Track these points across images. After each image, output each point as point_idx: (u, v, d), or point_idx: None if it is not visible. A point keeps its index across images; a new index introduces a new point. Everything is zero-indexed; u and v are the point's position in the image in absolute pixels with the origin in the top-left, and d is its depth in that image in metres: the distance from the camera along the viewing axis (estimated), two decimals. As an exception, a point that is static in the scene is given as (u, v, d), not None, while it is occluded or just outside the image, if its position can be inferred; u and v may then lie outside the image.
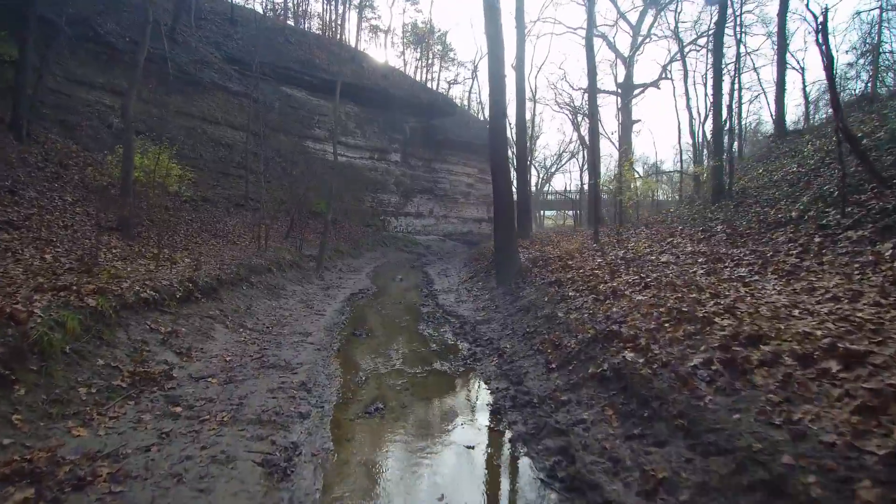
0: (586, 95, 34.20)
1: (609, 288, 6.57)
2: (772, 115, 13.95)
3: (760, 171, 12.29)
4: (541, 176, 47.63)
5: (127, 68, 14.43)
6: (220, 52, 20.71)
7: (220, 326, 7.58)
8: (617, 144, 31.02)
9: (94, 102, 15.49)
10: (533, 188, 54.41)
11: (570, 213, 45.88)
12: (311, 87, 24.21)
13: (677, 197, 28.74)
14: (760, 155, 15.02)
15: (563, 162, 49.47)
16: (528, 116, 44.77)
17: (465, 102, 40.07)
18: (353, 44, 31.65)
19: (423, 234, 31.59)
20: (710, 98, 11.79)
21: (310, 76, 23.89)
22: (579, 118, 39.00)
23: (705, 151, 21.93)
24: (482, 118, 37.55)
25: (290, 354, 6.76)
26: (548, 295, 7.83)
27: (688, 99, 25.64)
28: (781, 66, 14.91)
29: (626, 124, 32.53)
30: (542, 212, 43.02)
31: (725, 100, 12.59)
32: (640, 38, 33.13)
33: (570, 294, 7.24)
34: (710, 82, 20.45)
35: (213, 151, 18.64)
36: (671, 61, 32.07)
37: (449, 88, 40.98)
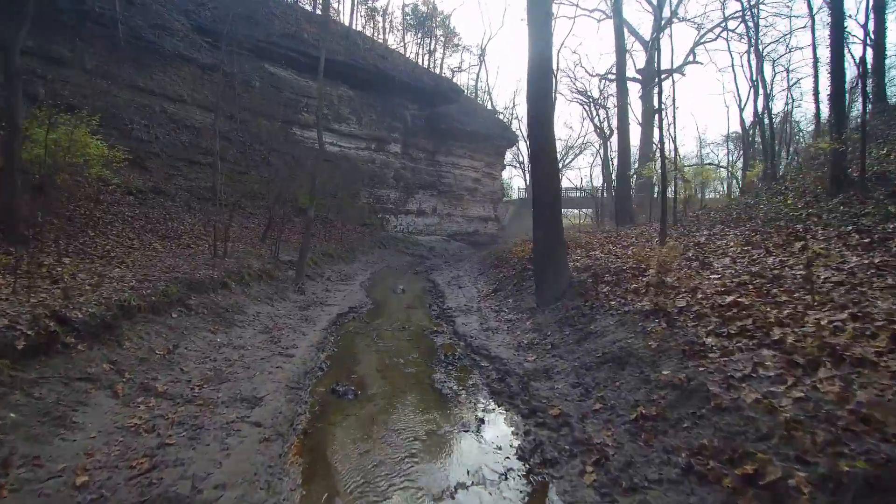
0: (604, 82, 31.25)
1: (817, 341, 3.46)
2: (868, 87, 10.82)
3: (885, 152, 9.21)
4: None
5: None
6: (189, 21, 17.54)
7: (104, 394, 4.45)
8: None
9: None
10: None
11: (585, 211, 42.81)
12: (298, 66, 21.06)
13: (719, 192, 25.66)
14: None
15: (569, 159, 46.43)
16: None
17: (473, 93, 36.84)
18: (347, 24, 28.48)
19: (426, 234, 28.49)
20: (829, 62, 8.59)
21: (297, 53, 20.73)
22: (594, 109, 35.98)
23: (757, 138, 18.87)
24: (490, 107, 34.46)
25: (208, 459, 3.65)
26: (653, 336, 4.73)
27: (736, 83, 22.54)
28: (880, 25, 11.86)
29: (648, 114, 29.54)
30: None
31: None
32: (662, 21, 30.15)
33: (709, 342, 4.14)
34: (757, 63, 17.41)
35: (173, 135, 15.47)
36: (698, 44, 29.16)
37: (452, 76, 37.80)
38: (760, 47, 16.78)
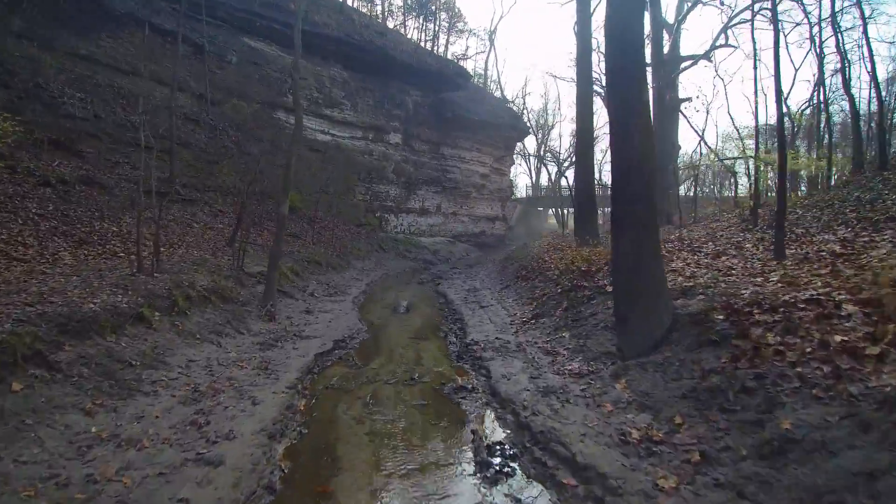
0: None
1: None
2: None
3: None
4: (556, 170, 41.68)
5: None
6: (149, -19, 14.63)
7: None
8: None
9: None
10: (545, 182, 48.63)
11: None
12: (282, 41, 18.11)
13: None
14: None
15: (571, 159, 43.63)
16: (541, 103, 38.18)
17: (482, 80, 33.84)
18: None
19: (429, 235, 25.61)
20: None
21: (281, 25, 17.79)
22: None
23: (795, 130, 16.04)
24: (499, 95, 31.57)
25: None
26: None
27: (777, 68, 19.73)
28: None
29: (674, 102, 26.69)
30: (565, 210, 36.97)
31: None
32: (687, 5, 27.39)
33: None
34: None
35: (120, 114, 12.54)
36: (728, 27, 26.33)
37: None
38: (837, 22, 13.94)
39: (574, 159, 12.75)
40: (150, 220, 8.06)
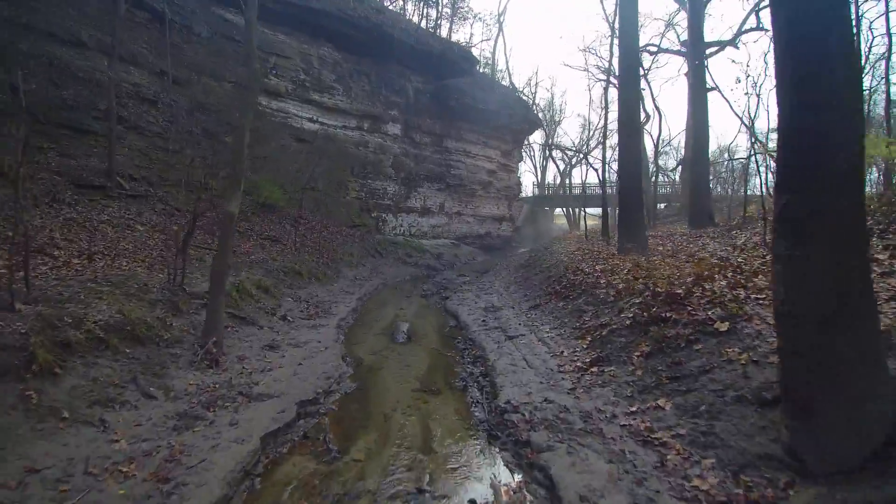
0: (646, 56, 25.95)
1: None
2: None
3: None
4: (567, 165, 39.28)
5: None
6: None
7: None
8: (688, 117, 22.73)
9: None
10: (550, 181, 46.09)
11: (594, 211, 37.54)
12: (263, 14, 15.58)
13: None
14: None
15: (582, 153, 41.18)
16: (547, 96, 35.47)
17: (489, 68, 31.30)
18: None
19: (431, 237, 23.17)
20: None
21: (261, -6, 15.35)
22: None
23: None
24: (507, 83, 29.10)
25: None
26: None
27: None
28: None
29: (698, 92, 24.28)
30: (576, 210, 34.45)
31: None
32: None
33: None
34: None
35: (51, 90, 10.08)
36: (759, 9, 23.94)
37: (460, 53, 32.39)
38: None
39: (617, 148, 10.29)
40: (19, 224, 5.51)
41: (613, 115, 18.55)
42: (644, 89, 28.68)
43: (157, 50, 13.17)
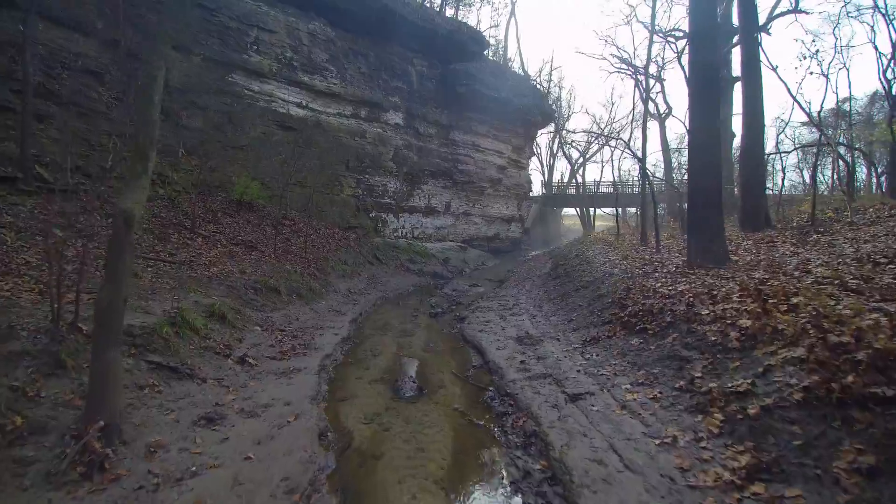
0: (663, 47, 23.59)
1: None
2: None
3: None
4: (581, 161, 36.90)
5: None
6: None
7: None
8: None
9: None
10: (556, 180, 43.59)
11: (606, 210, 35.01)
12: (243, -21, 13.33)
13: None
14: None
15: (593, 151, 38.86)
16: (555, 90, 32.85)
17: (499, 56, 28.75)
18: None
19: (436, 239, 20.84)
20: None
21: (240, -46, 13.03)
22: (641, 84, 28.32)
23: None
24: (521, 71, 26.71)
25: None
26: None
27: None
28: None
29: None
30: (592, 210, 31.93)
31: None
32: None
33: None
34: None
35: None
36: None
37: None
38: None
39: (688, 126, 7.91)
40: None
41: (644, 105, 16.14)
42: (660, 80, 26.32)
43: (109, 16, 10.80)
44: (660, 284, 6.72)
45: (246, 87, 13.33)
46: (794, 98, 14.73)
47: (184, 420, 4.24)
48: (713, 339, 4.71)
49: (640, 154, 17.29)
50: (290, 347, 6.52)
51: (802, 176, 23.60)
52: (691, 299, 5.64)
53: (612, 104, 58.25)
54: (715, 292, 5.63)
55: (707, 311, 5.17)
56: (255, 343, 6.37)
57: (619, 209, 36.29)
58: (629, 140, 32.88)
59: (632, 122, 29.66)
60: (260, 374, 5.52)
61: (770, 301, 4.87)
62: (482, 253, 23.03)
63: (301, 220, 12.87)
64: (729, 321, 4.80)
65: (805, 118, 22.22)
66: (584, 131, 30.07)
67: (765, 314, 4.57)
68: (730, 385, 4.02)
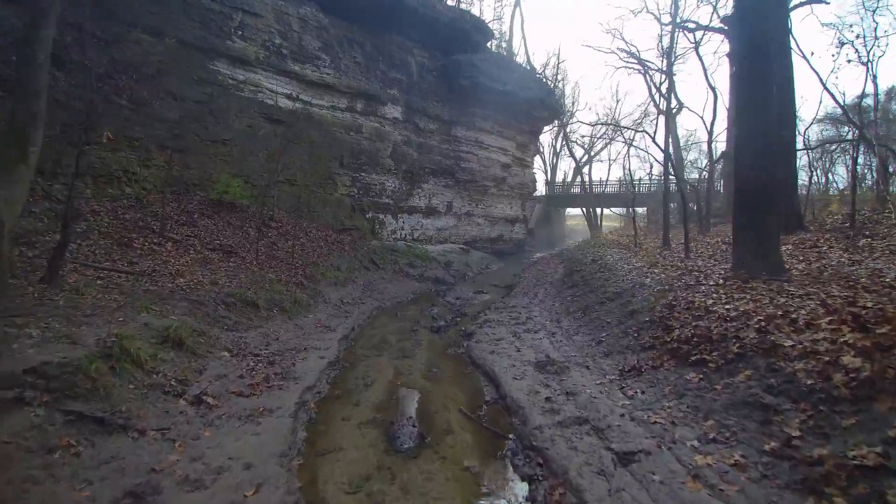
0: (678, 34, 22.47)
1: None
2: None
3: None
4: (586, 158, 35.80)
5: None
6: None
7: None
8: (717, 108, 19.06)
9: None
10: (559, 179, 42.34)
11: (616, 210, 33.88)
12: (226, -43, 12.16)
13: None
14: None
15: (598, 149, 37.68)
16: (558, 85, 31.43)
17: (504, 48, 27.48)
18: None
19: (437, 241, 19.70)
20: None
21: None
22: (657, 77, 27.20)
23: None
24: (526, 65, 25.55)
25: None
26: None
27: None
28: None
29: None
30: (599, 210, 30.73)
31: None
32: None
33: None
34: None
35: None
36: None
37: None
38: None
39: (736, 101, 6.74)
40: None
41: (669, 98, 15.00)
42: (671, 74, 25.15)
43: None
44: (711, 301, 5.57)
45: (230, 76, 12.16)
46: (825, 88, 13.60)
47: (101, 500, 3.09)
48: (809, 382, 3.56)
49: (647, 152, 16.07)
50: (263, 378, 5.36)
51: (814, 174, 22.45)
52: (763, 324, 4.49)
53: (618, 101, 57.07)
54: (793, 315, 4.48)
55: (791, 343, 4.02)
56: (220, 374, 5.21)
57: (629, 209, 35.30)
58: (635, 137, 31.72)
59: (642, 118, 28.50)
60: (219, 420, 4.37)
61: (878, 331, 3.74)
62: (485, 255, 21.88)
63: (290, 221, 11.71)
64: (827, 358, 3.65)
65: (816, 113, 21.03)
66: (598, 123, 28.62)
67: (880, 351, 3.42)
68: (850, 454, 2.88)
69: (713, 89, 17.29)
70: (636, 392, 4.74)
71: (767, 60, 6.76)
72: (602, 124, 26.97)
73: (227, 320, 6.51)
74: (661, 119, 28.92)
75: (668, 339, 5.25)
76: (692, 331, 5.09)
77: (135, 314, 5.42)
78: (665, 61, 18.17)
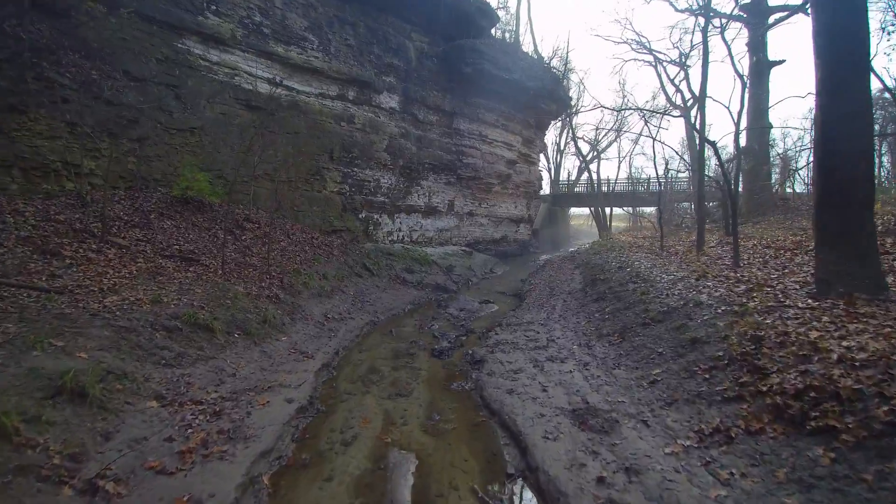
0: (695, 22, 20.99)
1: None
2: None
3: None
4: (594, 155, 34.33)
5: None
6: None
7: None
8: (745, 98, 17.56)
9: None
10: (565, 177, 40.71)
11: (627, 210, 32.37)
12: (197, -79, 10.64)
13: None
14: None
15: (604, 145, 36.25)
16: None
17: (511, 34, 25.86)
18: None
19: (438, 243, 18.23)
20: None
21: None
22: (671, 70, 25.69)
23: None
24: (534, 54, 24.01)
25: None
26: None
27: None
28: None
29: (761, 66, 19.32)
30: (609, 209, 29.18)
31: None
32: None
33: None
34: None
35: None
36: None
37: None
38: None
39: (817, 86, 5.20)
40: None
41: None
42: (685, 66, 23.46)
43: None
44: (815, 333, 4.07)
45: (201, 57, 10.65)
46: (873, 72, 12.10)
47: None
48: None
49: (667, 145, 14.57)
50: (200, 441, 3.87)
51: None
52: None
53: (624, 97, 55.56)
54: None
55: None
56: (137, 439, 3.71)
57: (633, 209, 33.75)
58: (655, 130, 30.10)
59: (662, 114, 26.97)
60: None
61: None
62: (489, 258, 20.39)
63: (269, 222, 10.20)
64: None
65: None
66: (623, 109, 26.96)
67: None
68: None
69: (741, 77, 15.77)
70: (732, 474, 3.24)
71: (862, 18, 5.28)
72: (628, 109, 25.30)
73: (165, 352, 5.01)
74: (676, 112, 27.47)
75: (764, 389, 3.75)
76: (801, 379, 3.60)
77: (22, 353, 3.93)
78: (671, 54, 16.64)
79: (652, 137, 23.98)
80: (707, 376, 4.40)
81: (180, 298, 6.02)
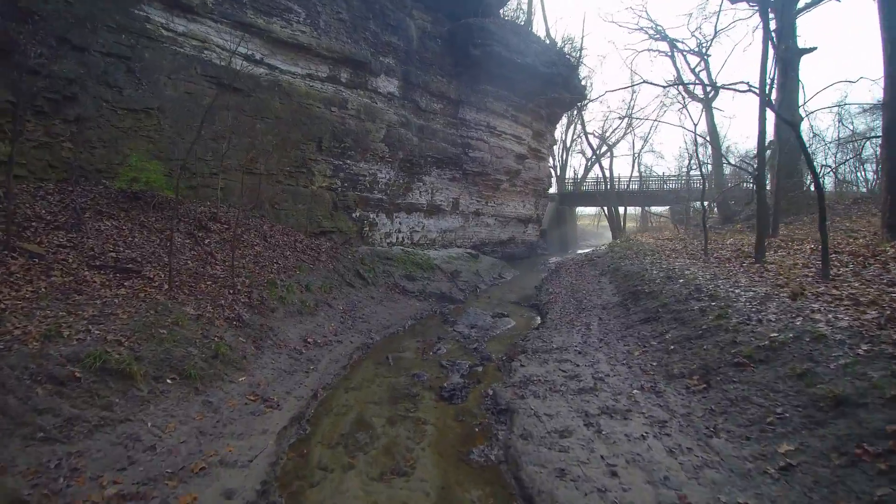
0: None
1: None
2: None
3: None
4: (607, 152, 32.54)
5: None
6: None
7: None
8: (773, 89, 15.87)
9: None
10: (571, 175, 38.84)
11: (645, 209, 30.63)
12: None
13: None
14: None
15: (614, 141, 34.38)
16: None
17: (523, 19, 23.88)
18: None
19: (441, 245, 16.54)
20: None
21: None
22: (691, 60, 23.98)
23: None
24: (547, 39, 22.20)
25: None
26: None
27: None
28: None
29: (790, 54, 17.56)
30: (623, 209, 27.37)
31: None
32: None
33: None
34: None
35: None
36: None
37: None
38: None
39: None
40: None
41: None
42: (704, 56, 21.51)
43: None
44: None
45: (164, 26, 8.95)
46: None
47: None
48: None
49: (701, 136, 12.94)
50: None
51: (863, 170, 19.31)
52: None
53: (633, 93, 53.75)
54: None
55: None
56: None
57: (645, 208, 31.97)
58: (652, 130, 28.13)
59: (682, 108, 25.15)
60: None
61: None
62: (496, 261, 18.68)
63: (242, 222, 8.49)
64: None
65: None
66: (667, 84, 25.12)
67: None
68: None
69: (781, 60, 14.05)
70: None
71: None
72: (646, 83, 23.72)
73: (46, 416, 3.31)
74: (689, 106, 25.65)
75: None
76: None
77: None
78: (688, 43, 14.85)
79: (681, 126, 22.19)
80: (883, 466, 2.70)
81: (90, 329, 4.31)
